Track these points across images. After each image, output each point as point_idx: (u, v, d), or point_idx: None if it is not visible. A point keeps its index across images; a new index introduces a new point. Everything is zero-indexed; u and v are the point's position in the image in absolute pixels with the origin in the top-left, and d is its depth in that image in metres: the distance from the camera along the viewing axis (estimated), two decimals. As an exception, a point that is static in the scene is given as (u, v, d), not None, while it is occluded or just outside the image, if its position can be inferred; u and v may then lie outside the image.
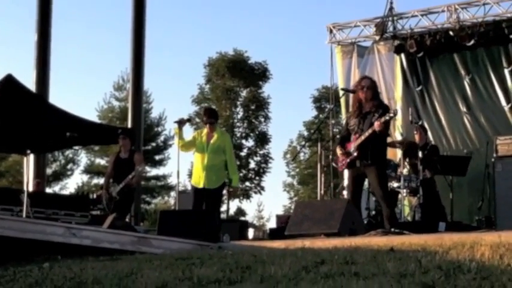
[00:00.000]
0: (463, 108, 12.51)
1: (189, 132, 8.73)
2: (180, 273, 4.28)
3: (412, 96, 13.12)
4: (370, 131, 7.27)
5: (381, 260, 4.19)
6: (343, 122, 10.04)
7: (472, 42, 12.29)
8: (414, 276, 3.63)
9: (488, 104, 12.30)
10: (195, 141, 8.58)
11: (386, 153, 7.88)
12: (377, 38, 13.43)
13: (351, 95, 8.51)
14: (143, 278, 4.21)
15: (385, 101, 12.74)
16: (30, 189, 12.90)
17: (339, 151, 7.62)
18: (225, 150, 8.51)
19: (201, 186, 8.38)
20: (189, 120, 8.66)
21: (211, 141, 8.48)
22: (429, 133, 12.24)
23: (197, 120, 27.69)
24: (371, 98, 7.49)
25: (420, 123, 12.23)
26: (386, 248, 4.86)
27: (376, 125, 7.20)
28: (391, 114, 7.28)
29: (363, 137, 7.33)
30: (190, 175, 8.80)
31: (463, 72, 12.61)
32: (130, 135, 10.18)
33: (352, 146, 7.44)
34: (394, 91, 13.34)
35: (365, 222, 8.66)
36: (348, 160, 7.47)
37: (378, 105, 7.51)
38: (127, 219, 9.93)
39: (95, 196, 11.83)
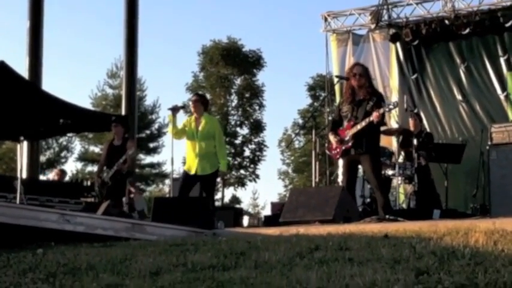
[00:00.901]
0: (459, 97, 12.51)
1: (183, 119, 8.67)
2: (174, 259, 4.28)
3: (408, 85, 13.11)
4: (367, 120, 7.25)
5: (375, 246, 4.19)
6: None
7: (467, 31, 12.27)
8: (408, 262, 3.64)
9: (484, 92, 12.30)
10: (185, 128, 8.52)
11: (380, 141, 7.88)
12: (372, 26, 13.40)
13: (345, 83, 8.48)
14: (137, 264, 4.20)
15: (380, 89, 12.79)
16: (52, 178, 12.86)
17: (332, 138, 7.59)
18: (215, 135, 8.45)
19: (193, 172, 8.34)
20: (183, 107, 8.59)
21: (200, 127, 8.41)
22: (424, 121, 12.23)
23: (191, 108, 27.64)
24: (364, 85, 7.46)
25: (416, 111, 12.24)
26: (380, 235, 4.87)
27: (375, 115, 7.18)
28: (391, 106, 7.27)
29: (359, 127, 7.31)
30: (184, 162, 8.72)
31: (458, 60, 12.60)
32: (123, 122, 10.17)
33: (346, 135, 7.42)
34: (389, 79, 13.33)
35: (360, 209, 8.66)
36: (343, 148, 7.46)
37: (372, 93, 7.49)
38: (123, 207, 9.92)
39: (89, 183, 11.79)
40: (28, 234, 5.40)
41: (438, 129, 12.53)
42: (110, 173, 9.37)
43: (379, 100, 7.38)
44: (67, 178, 15.03)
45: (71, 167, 33.49)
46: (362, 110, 7.36)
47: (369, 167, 7.46)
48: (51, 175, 14.49)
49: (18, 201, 9.33)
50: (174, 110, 8.55)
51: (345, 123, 7.49)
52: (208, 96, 32.17)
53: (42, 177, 14.34)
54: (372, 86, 7.62)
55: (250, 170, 32.67)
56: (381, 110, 7.19)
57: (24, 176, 12.35)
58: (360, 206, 9.06)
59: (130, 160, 9.76)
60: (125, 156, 9.29)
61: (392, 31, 13.15)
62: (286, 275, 3.62)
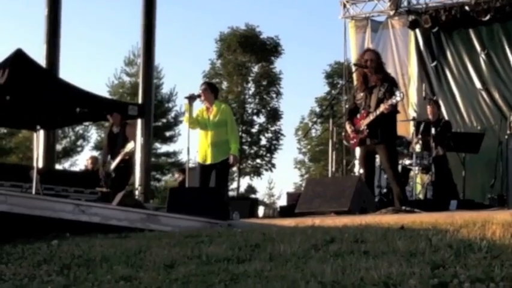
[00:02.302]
0: (478, 85, 12.39)
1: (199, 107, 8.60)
2: (189, 251, 4.27)
3: (427, 72, 13.01)
4: (378, 112, 7.20)
5: (391, 239, 4.16)
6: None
7: (487, 17, 12.13)
8: (424, 255, 3.61)
9: (504, 80, 12.18)
10: (198, 118, 8.47)
11: (397, 130, 7.82)
12: (391, 12, 13.31)
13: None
14: (151, 256, 4.20)
15: (399, 77, 12.71)
16: (85, 167, 12.88)
17: (348, 128, 7.58)
18: (227, 122, 8.40)
19: (207, 162, 8.29)
20: (199, 96, 8.50)
21: (211, 116, 8.37)
22: (443, 109, 12.13)
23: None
24: (375, 71, 7.41)
25: (434, 98, 12.16)
26: (396, 226, 4.83)
27: (383, 107, 7.16)
28: (398, 98, 7.19)
29: (371, 117, 7.27)
30: (200, 152, 8.67)
31: (478, 47, 12.47)
32: (119, 109, 10.18)
33: (361, 124, 7.38)
34: (407, 67, 13.24)
35: (376, 200, 8.61)
36: (359, 138, 7.43)
37: (384, 79, 7.43)
38: (137, 197, 9.94)
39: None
40: (43, 225, 5.41)
41: (457, 117, 12.44)
42: (113, 164, 9.37)
43: (390, 86, 7.33)
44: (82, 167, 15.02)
45: (87, 156, 33.52)
46: (374, 98, 7.33)
47: (384, 157, 7.44)
48: (86, 163, 14.40)
49: (34, 191, 9.38)
50: (191, 98, 8.47)
51: (360, 111, 7.46)
52: (225, 84, 32.27)
53: (58, 167, 14.37)
54: (383, 72, 7.56)
55: (267, 159, 32.63)
56: (389, 102, 7.14)
57: (40, 165, 12.40)
58: (376, 196, 9.00)
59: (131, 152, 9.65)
60: (121, 156, 9.28)
61: (411, 18, 13.05)
62: (301, 268, 3.60)
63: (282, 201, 32.33)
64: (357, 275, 3.29)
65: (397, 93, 7.20)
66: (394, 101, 7.16)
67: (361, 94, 7.48)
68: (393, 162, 7.51)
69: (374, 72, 7.40)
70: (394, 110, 7.37)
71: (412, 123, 10.15)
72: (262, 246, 4.32)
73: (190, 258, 4.07)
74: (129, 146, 9.26)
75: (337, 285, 3.18)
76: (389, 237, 4.22)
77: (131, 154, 9.72)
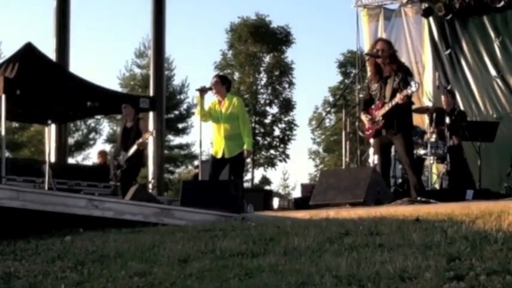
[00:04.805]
0: (493, 72, 12.27)
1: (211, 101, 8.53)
2: (203, 246, 4.26)
3: (441, 60, 12.90)
4: (393, 102, 7.16)
5: (406, 231, 4.14)
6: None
7: (502, 3, 12.00)
8: (440, 247, 3.59)
9: (520, 67, 12.05)
10: (211, 111, 8.43)
11: (412, 119, 7.77)
12: (404, 0, 13.21)
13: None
14: (165, 251, 4.20)
15: (413, 65, 12.62)
16: (95, 161, 12.91)
17: (364, 118, 7.55)
18: (239, 116, 8.36)
19: (219, 156, 8.26)
20: (210, 88, 8.46)
21: (223, 109, 8.33)
22: (458, 98, 12.05)
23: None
24: (388, 61, 7.35)
25: (449, 87, 12.06)
26: (412, 218, 4.80)
27: (399, 98, 7.11)
28: (413, 88, 7.14)
29: (386, 108, 7.24)
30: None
31: (493, 35, 12.34)
32: (132, 103, 10.15)
33: (376, 115, 7.34)
34: (421, 55, 13.14)
35: (391, 190, 8.56)
36: (375, 128, 7.38)
37: (398, 68, 7.37)
38: (150, 190, 9.93)
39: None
40: (56, 221, 5.40)
41: (472, 106, 12.34)
42: (125, 157, 9.38)
43: (405, 75, 7.29)
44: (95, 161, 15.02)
45: (100, 149, 33.52)
46: (389, 88, 7.29)
47: (400, 146, 7.41)
48: (96, 159, 14.43)
49: (46, 186, 9.39)
50: (202, 91, 8.44)
51: (375, 101, 7.42)
52: (237, 74, 32.25)
53: (71, 160, 14.36)
54: (397, 61, 7.50)
55: (280, 149, 32.60)
56: (404, 93, 7.09)
57: (53, 159, 12.40)
58: (392, 187, 8.96)
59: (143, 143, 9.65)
60: (136, 146, 9.26)
61: (424, 5, 12.93)
62: (315, 261, 3.58)
63: (297, 192, 32.27)
64: (372, 269, 3.27)
65: (412, 83, 7.14)
66: (409, 91, 7.11)
67: (376, 85, 7.43)
68: (409, 152, 7.48)
69: (387, 62, 7.34)
70: (409, 101, 7.32)
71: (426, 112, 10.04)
72: (276, 239, 4.30)
73: (204, 253, 4.06)
74: (145, 136, 9.28)
75: (353, 279, 3.17)
76: (404, 230, 4.20)
77: (145, 145, 9.71)
